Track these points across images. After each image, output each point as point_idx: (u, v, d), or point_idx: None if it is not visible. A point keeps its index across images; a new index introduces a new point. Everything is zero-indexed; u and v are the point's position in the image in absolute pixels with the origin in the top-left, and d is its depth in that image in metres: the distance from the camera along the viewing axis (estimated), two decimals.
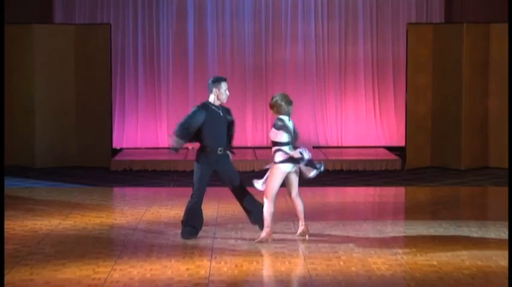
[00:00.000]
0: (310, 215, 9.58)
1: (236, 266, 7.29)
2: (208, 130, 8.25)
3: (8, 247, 7.93)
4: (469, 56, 13.40)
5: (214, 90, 8.32)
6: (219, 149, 8.31)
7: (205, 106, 8.32)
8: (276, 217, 8.68)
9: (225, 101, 8.35)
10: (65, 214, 9.62)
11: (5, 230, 8.72)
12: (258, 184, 8.18)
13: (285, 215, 9.45)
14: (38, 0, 14.98)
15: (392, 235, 8.59)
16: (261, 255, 7.71)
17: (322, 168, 8.22)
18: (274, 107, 8.23)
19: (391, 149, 15.07)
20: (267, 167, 8.29)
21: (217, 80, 8.35)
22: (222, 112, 8.34)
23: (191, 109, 8.41)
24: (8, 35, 13.65)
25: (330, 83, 15.48)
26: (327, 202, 10.97)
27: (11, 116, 13.77)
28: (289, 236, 8.42)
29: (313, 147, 15.34)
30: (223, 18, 15.33)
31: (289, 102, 8.22)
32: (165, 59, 15.30)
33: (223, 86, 8.32)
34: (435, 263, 7.39)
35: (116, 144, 14.94)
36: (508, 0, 13.14)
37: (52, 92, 13.76)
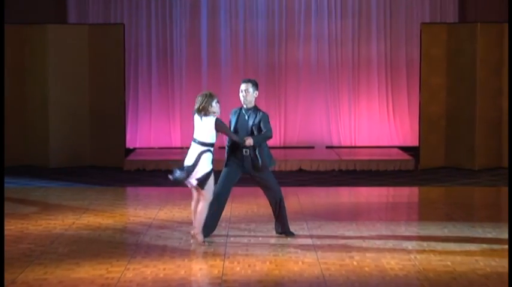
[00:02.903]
0: (323, 215, 9.59)
1: (249, 266, 7.29)
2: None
3: (22, 247, 7.97)
4: (483, 55, 13.35)
5: None
6: (244, 150, 8.30)
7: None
8: (290, 217, 8.66)
9: (242, 103, 8.33)
10: (79, 214, 9.64)
11: (19, 229, 8.77)
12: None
13: (298, 215, 9.45)
14: (52, 1, 15.03)
15: (405, 235, 8.57)
16: (274, 255, 7.70)
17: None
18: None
19: (404, 149, 15.03)
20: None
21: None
22: (248, 115, 8.30)
23: None
24: (22, 35, 13.73)
25: (343, 82, 15.45)
26: (340, 202, 10.95)
27: (25, 116, 13.83)
28: (302, 236, 8.41)
29: (326, 147, 15.35)
30: (237, 17, 15.34)
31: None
32: (179, 58, 15.32)
33: (241, 86, 8.34)
34: (449, 263, 7.36)
35: (130, 144, 14.98)
36: (508, 0, 13.10)
37: (66, 92, 13.80)
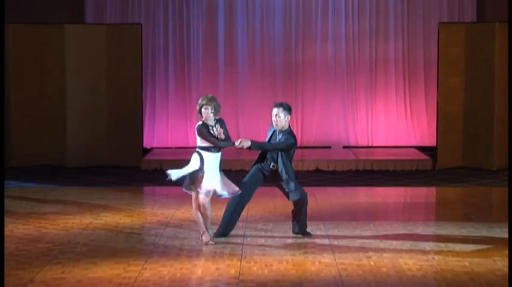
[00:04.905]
0: (340, 215, 9.59)
1: (266, 265, 7.29)
2: None
3: (40, 246, 8.01)
4: (502, 55, 13.27)
5: None
6: (272, 164, 8.31)
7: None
8: (307, 217, 8.63)
9: (274, 127, 8.33)
10: (96, 213, 9.68)
11: (38, 229, 8.82)
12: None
13: (315, 215, 9.43)
14: (70, 1, 15.09)
15: (423, 235, 8.54)
16: (291, 255, 7.69)
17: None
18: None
19: (422, 149, 14.98)
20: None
21: None
22: (280, 136, 8.31)
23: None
24: (40, 36, 13.80)
25: (360, 82, 15.42)
26: (357, 202, 10.92)
27: (43, 116, 13.89)
28: (319, 237, 8.40)
29: (343, 147, 15.33)
30: (253, 17, 15.33)
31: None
32: (195, 58, 15.34)
33: (273, 110, 8.32)
34: (467, 264, 7.33)
35: (147, 143, 15.01)
36: (508, 0, 13.05)
37: (83, 91, 13.85)
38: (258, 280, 6.86)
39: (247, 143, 8.10)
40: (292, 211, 8.49)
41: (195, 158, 8.07)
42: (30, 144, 13.81)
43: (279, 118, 8.26)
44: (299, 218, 8.41)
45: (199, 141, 8.06)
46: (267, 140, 8.37)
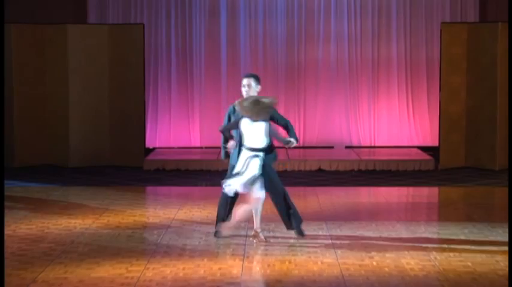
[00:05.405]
0: (343, 215, 9.58)
1: (268, 265, 7.29)
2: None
3: (42, 246, 8.01)
4: (504, 55, 13.27)
5: None
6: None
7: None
8: (309, 217, 8.65)
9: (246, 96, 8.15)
10: (99, 213, 9.68)
11: (40, 228, 8.82)
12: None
13: (317, 215, 9.43)
14: (72, 1, 15.10)
15: (425, 235, 8.54)
16: (293, 255, 7.69)
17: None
18: None
19: (424, 149, 14.98)
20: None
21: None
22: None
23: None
24: (42, 36, 13.81)
25: (362, 82, 15.42)
26: (360, 202, 10.92)
27: (45, 116, 13.91)
28: (321, 236, 8.40)
29: (346, 147, 15.32)
30: (256, 17, 15.34)
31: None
32: (198, 58, 15.35)
33: (243, 81, 8.19)
34: (469, 264, 7.33)
35: (149, 143, 15.03)
36: (508, 0, 13.05)
37: (86, 91, 13.86)
38: (260, 280, 6.86)
39: (294, 142, 8.05)
40: (279, 212, 8.38)
41: (255, 163, 7.83)
42: (33, 144, 13.82)
43: (251, 88, 8.11)
44: (288, 211, 8.26)
45: (265, 143, 7.90)
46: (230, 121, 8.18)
